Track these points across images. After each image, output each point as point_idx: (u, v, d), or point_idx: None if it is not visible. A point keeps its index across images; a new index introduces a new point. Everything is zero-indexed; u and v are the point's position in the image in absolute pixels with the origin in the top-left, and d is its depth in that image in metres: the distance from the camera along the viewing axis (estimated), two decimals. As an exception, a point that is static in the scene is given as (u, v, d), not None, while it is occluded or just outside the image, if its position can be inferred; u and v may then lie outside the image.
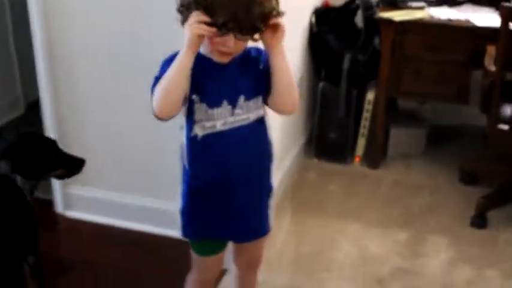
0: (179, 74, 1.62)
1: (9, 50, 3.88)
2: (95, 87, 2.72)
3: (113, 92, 2.68)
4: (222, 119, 1.72)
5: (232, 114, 1.73)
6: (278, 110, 1.78)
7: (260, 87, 1.75)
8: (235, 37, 1.60)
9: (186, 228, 1.89)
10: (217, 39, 1.60)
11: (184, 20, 1.62)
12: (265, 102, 1.77)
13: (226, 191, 1.81)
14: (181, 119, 1.77)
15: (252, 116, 1.76)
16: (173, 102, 1.64)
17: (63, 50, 2.69)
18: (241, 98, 1.73)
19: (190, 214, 1.87)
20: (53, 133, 2.79)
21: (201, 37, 1.59)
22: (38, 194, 2.64)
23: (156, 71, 1.71)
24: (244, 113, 1.74)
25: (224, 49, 1.63)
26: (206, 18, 1.56)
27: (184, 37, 1.60)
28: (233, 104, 1.72)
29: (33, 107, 3.15)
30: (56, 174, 2.34)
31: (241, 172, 1.80)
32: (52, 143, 2.31)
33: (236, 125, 1.74)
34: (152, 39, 2.50)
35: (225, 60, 1.68)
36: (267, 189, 1.91)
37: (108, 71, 2.65)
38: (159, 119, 1.68)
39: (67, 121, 2.82)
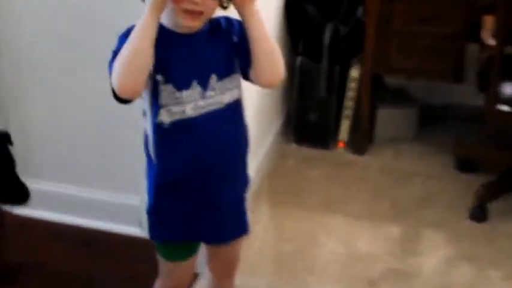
0: (144, 38, 1.55)
1: None
2: (42, 65, 2.64)
3: (64, 71, 2.60)
4: (191, 102, 1.67)
5: (203, 97, 1.67)
6: (263, 83, 1.72)
7: (234, 64, 1.70)
8: None
9: (154, 229, 1.83)
10: None
11: None
12: (245, 77, 1.72)
13: (200, 185, 1.75)
14: (142, 103, 1.71)
15: (226, 99, 1.70)
16: (138, 75, 1.57)
17: (7, 20, 2.61)
18: (213, 78, 1.67)
19: (159, 213, 1.81)
20: None
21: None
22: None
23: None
24: (217, 94, 1.69)
25: (191, 6, 1.57)
26: None
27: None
28: (204, 84, 1.66)
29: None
30: None
31: (216, 163, 1.74)
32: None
33: (208, 109, 1.68)
34: (108, 15, 2.42)
35: (192, 24, 1.62)
36: (244, 180, 1.87)
37: (59, 47, 2.57)
38: (120, 100, 1.61)
39: (10, 105, 2.74)
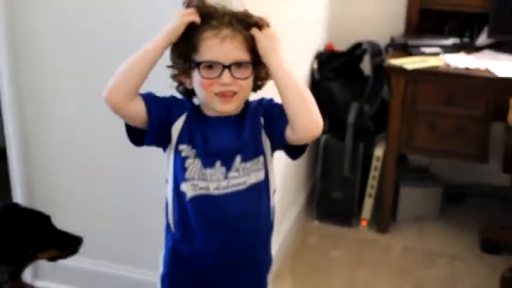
0: (146, 59, 1.61)
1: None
2: (67, 141, 2.62)
3: (88, 151, 2.58)
4: (215, 182, 1.68)
5: (226, 177, 1.67)
6: (303, 135, 1.65)
7: (261, 146, 1.70)
8: (230, 71, 1.58)
9: None
10: (210, 81, 1.59)
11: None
12: (284, 146, 1.69)
13: (215, 265, 1.73)
14: (165, 173, 1.74)
15: (250, 180, 1.69)
16: (127, 82, 1.62)
17: (32, 97, 2.60)
18: (237, 159, 1.68)
19: (171, 284, 1.80)
20: (21, 189, 2.72)
21: (183, 27, 1.61)
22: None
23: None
24: (241, 176, 1.68)
25: (222, 89, 1.60)
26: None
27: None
28: (227, 165, 1.67)
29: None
30: (47, 256, 2.17)
31: (238, 243, 1.73)
32: (42, 217, 2.18)
33: (231, 190, 1.68)
34: None
35: (228, 107, 1.64)
36: (266, 263, 1.84)
37: (81, 123, 2.53)
38: (133, 140, 1.69)
39: (36, 177, 2.73)
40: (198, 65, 1.60)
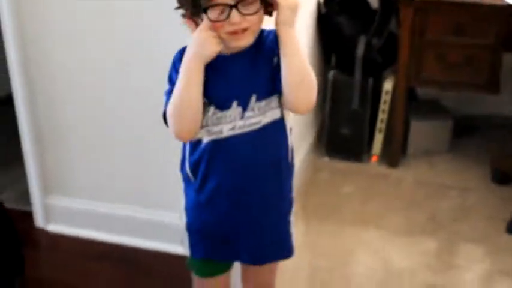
0: (191, 87, 1.59)
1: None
2: (75, 80, 2.64)
3: (96, 87, 2.60)
4: (230, 123, 1.68)
5: (242, 117, 1.68)
6: (289, 108, 1.69)
7: (275, 84, 1.67)
8: (238, 10, 1.54)
9: (194, 248, 1.84)
10: (221, 23, 1.56)
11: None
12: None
13: (236, 205, 1.75)
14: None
15: (265, 119, 1.69)
16: (191, 123, 1.63)
17: (38, 38, 2.62)
18: (253, 98, 1.67)
19: (199, 232, 1.82)
20: (29, 134, 2.77)
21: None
22: (17, 205, 2.93)
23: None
24: (256, 115, 1.68)
25: (233, 28, 1.57)
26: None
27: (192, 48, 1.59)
28: (244, 105, 1.67)
29: (7, 101, 3.20)
30: None
31: (254, 185, 1.75)
32: None
33: (245, 130, 1.69)
34: (150, 37, 2.39)
35: (241, 43, 1.61)
36: (286, 203, 1.85)
37: (92, 63, 2.56)
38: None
39: (44, 121, 2.76)
40: (205, 10, 1.58)
